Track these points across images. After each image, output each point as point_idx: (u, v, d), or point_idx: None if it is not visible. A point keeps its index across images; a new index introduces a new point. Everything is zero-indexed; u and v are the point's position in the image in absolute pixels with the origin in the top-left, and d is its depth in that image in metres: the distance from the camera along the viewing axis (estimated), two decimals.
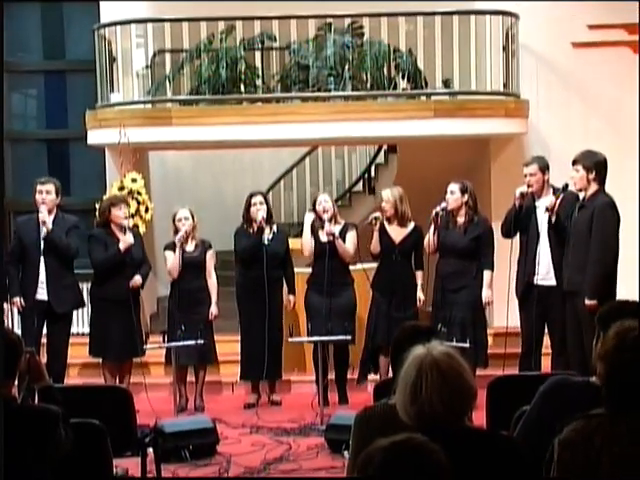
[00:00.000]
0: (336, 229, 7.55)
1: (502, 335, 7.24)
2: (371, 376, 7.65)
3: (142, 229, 8.34)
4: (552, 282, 6.83)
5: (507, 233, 7.11)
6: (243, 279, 7.71)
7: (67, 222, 7.34)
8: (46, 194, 7.21)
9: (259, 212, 7.54)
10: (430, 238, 7.29)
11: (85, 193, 10.01)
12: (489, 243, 7.27)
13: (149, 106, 9.39)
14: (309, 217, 7.71)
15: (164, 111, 9.02)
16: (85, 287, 7.83)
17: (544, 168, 6.96)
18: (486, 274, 7.23)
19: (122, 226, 7.41)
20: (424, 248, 7.47)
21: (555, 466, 2.60)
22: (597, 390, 2.74)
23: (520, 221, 6.98)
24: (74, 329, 7.95)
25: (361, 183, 11.15)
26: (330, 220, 7.54)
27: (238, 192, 9.57)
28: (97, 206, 7.94)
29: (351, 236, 7.62)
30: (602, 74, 9.11)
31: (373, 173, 11.00)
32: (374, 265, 7.74)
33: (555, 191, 6.81)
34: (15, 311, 7.32)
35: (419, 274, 7.60)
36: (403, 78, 9.13)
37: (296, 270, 7.89)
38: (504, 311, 6.94)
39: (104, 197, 8.21)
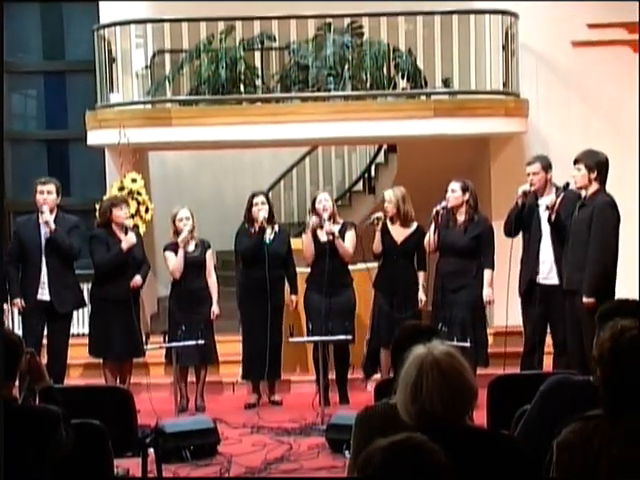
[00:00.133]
0: (335, 228, 7.56)
1: (503, 334, 7.23)
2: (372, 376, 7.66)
3: (142, 229, 8.34)
4: (555, 281, 6.82)
5: (509, 232, 7.10)
6: (244, 279, 7.71)
7: (68, 222, 7.33)
8: (47, 194, 7.20)
9: (261, 212, 7.54)
10: (430, 237, 7.29)
11: (85, 193, 10.02)
12: (489, 242, 7.26)
13: (149, 106, 9.40)
14: (313, 221, 7.64)
15: (164, 111, 9.03)
16: (85, 287, 7.83)
17: (547, 167, 6.96)
18: (486, 273, 7.23)
19: (123, 226, 7.42)
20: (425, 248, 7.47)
21: (554, 468, 2.59)
22: (597, 389, 2.73)
23: (523, 220, 6.98)
24: (75, 330, 7.95)
25: (361, 183, 11.15)
26: (329, 219, 7.54)
27: (238, 192, 9.59)
28: (97, 206, 7.95)
29: (350, 235, 7.62)
30: (602, 73, 9.11)
31: (373, 173, 11.00)
32: (377, 265, 7.74)
33: (557, 190, 6.81)
34: (15, 312, 7.32)
35: (421, 275, 7.58)
36: (403, 78, 9.13)
37: (297, 270, 7.88)
38: (505, 310, 6.94)
39: (104, 197, 8.21)
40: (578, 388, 3.15)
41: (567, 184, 6.76)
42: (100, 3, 9.71)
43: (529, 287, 6.93)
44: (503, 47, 9.00)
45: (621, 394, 2.57)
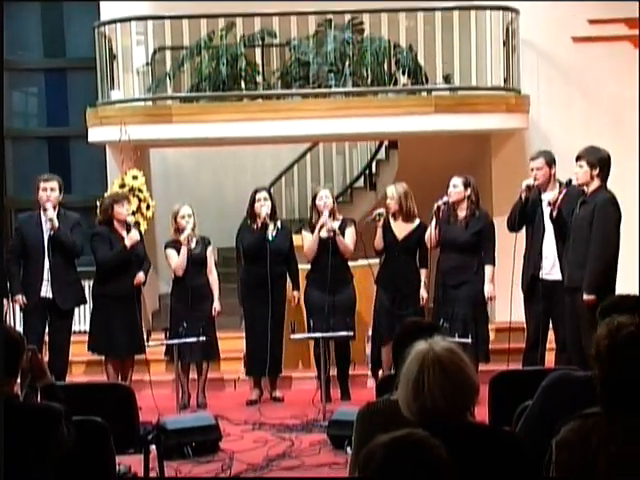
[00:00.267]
0: (335, 225, 7.55)
1: (504, 330, 7.23)
2: None
3: (143, 226, 8.34)
4: (557, 277, 6.77)
5: (513, 226, 7.06)
6: (247, 275, 7.71)
7: (70, 219, 7.32)
8: (50, 191, 7.17)
9: (263, 208, 7.53)
10: (432, 232, 7.28)
11: (86, 191, 10.03)
12: (490, 238, 7.26)
13: (149, 103, 9.39)
14: (324, 219, 7.51)
15: (164, 108, 9.03)
16: (87, 285, 7.83)
17: (550, 162, 6.94)
18: (487, 269, 7.22)
19: (125, 223, 7.41)
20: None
21: (553, 467, 2.59)
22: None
23: (526, 214, 6.96)
24: (77, 327, 7.94)
25: (362, 179, 11.14)
26: (329, 216, 7.54)
27: (239, 189, 9.59)
28: (98, 204, 7.94)
29: (350, 232, 7.62)
30: (603, 69, 9.11)
31: (374, 169, 10.98)
32: (379, 261, 7.74)
33: (560, 186, 6.79)
34: (17, 309, 7.32)
35: (423, 272, 7.56)
36: (404, 74, 9.13)
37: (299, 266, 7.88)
38: (506, 306, 6.94)
39: (105, 195, 8.21)
40: (579, 384, 3.14)
41: (570, 180, 6.74)
42: (100, 0, 9.71)
43: (532, 283, 6.92)
44: (504, 43, 8.99)
45: (619, 392, 2.55)
